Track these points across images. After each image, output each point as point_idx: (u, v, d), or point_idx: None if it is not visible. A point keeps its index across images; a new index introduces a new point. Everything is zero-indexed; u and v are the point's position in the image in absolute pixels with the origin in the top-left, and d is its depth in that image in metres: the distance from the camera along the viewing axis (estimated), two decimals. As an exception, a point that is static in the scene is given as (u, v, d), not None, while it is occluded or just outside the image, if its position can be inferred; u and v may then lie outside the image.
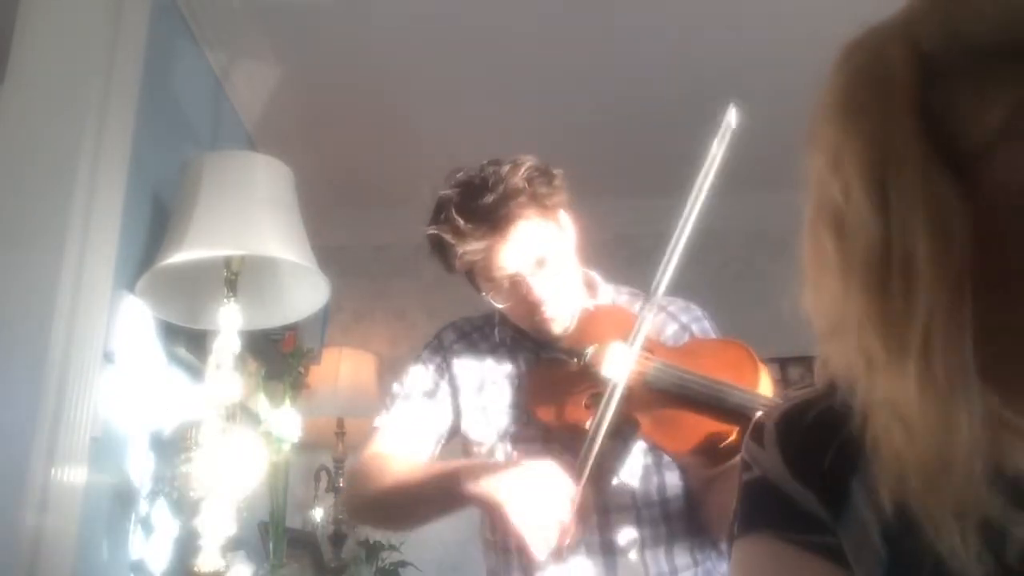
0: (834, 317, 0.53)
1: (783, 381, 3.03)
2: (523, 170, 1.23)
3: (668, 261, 1.17)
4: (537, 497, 1.07)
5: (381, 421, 1.38)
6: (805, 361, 3.05)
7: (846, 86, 0.53)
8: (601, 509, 1.22)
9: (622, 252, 3.03)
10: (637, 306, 1.32)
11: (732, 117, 1.19)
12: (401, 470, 1.27)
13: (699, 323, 1.33)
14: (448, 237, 1.22)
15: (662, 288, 1.18)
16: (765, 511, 0.59)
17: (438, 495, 1.19)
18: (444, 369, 1.38)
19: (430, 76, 2.49)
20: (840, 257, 0.52)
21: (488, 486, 1.09)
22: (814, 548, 0.55)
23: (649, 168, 3.02)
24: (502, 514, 1.06)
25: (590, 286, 1.39)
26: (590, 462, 1.10)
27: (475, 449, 1.34)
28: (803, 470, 0.57)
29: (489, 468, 1.14)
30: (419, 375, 1.39)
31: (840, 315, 0.52)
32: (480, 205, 1.20)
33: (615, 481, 1.23)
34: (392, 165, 2.93)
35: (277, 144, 2.31)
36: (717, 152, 1.17)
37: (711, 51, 2.41)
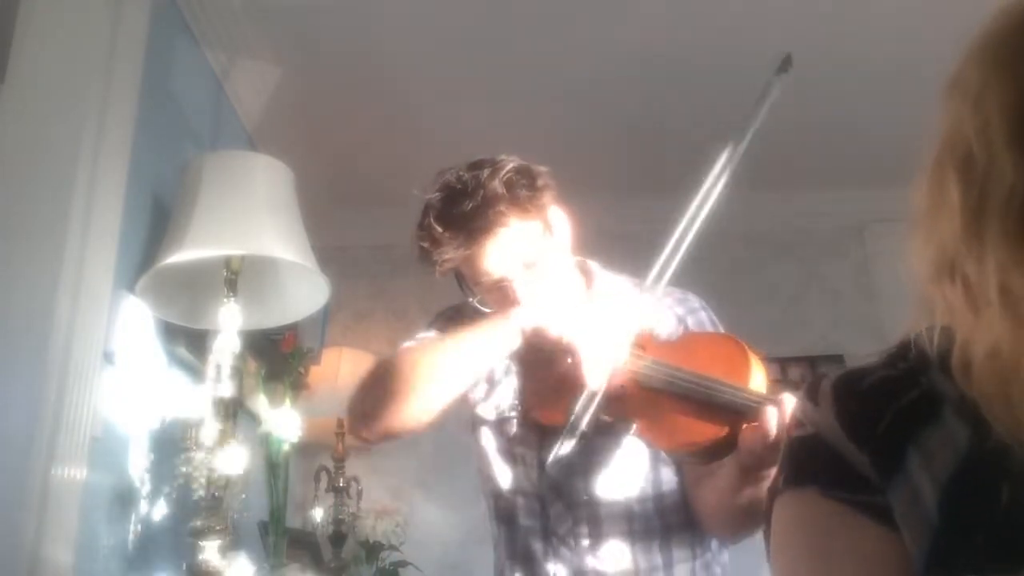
0: (945, 259, 0.53)
1: (783, 381, 3.03)
2: (502, 174, 1.20)
3: (666, 258, 1.16)
4: (602, 323, 1.11)
5: (407, 344, 1.32)
6: (805, 361, 3.06)
7: (1002, 31, 0.53)
8: (593, 505, 1.22)
9: (622, 252, 3.03)
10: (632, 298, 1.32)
11: (788, 65, 1.21)
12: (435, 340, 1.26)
13: (695, 315, 1.31)
14: (426, 244, 1.21)
15: (655, 283, 1.18)
16: (814, 468, 0.59)
17: (484, 336, 1.18)
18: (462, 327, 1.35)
19: (430, 75, 2.49)
20: (963, 199, 0.51)
21: (547, 312, 1.14)
22: (862, 507, 0.55)
23: (650, 167, 3.03)
24: (563, 328, 1.11)
25: (586, 275, 1.36)
26: (590, 408, 1.10)
27: (476, 426, 1.34)
28: (858, 431, 0.57)
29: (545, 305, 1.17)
30: (443, 324, 1.37)
31: (953, 257, 0.52)
32: (458, 212, 1.19)
33: (607, 477, 1.23)
34: (392, 165, 2.93)
35: (277, 144, 2.31)
36: (771, 94, 1.20)
37: (712, 51, 2.41)
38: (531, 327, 1.15)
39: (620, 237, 3.11)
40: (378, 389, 1.22)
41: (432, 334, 1.35)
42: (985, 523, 0.50)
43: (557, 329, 1.13)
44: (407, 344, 1.32)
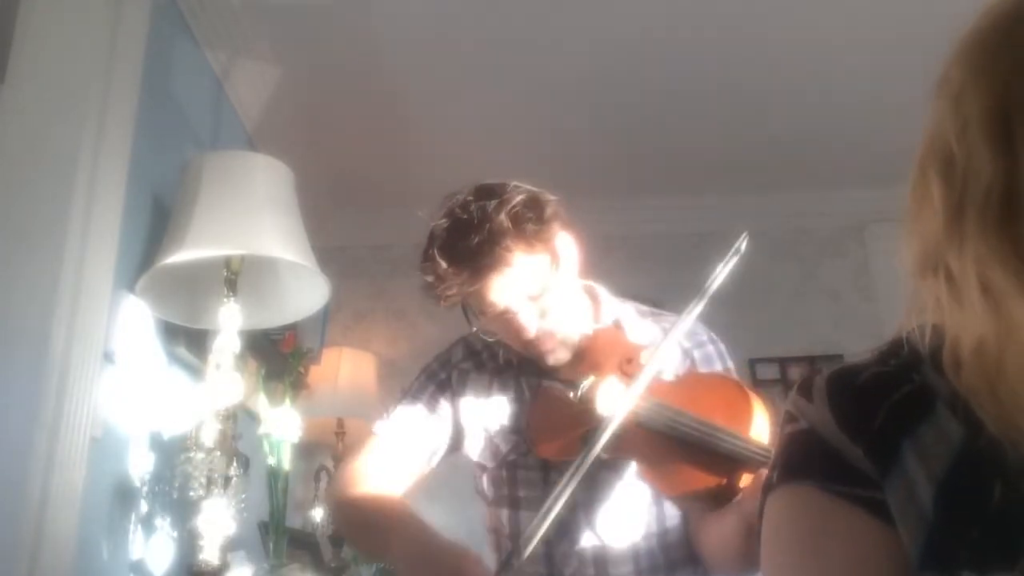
0: (930, 256, 0.54)
1: (783, 381, 3.03)
2: (510, 207, 1.16)
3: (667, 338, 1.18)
4: None
5: (379, 428, 1.37)
6: (805, 361, 3.06)
7: (982, 31, 0.53)
8: (599, 544, 1.21)
9: (622, 252, 3.04)
10: (641, 326, 1.30)
11: (743, 244, 1.22)
12: (369, 498, 1.27)
13: (702, 348, 1.29)
14: (430, 279, 1.18)
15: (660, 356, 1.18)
16: (809, 462, 0.59)
17: (375, 538, 1.23)
18: (447, 385, 1.36)
19: (430, 76, 2.49)
20: (944, 197, 0.52)
21: (407, 558, 1.11)
22: (858, 501, 0.55)
23: (649, 168, 3.03)
24: None
25: (593, 301, 1.33)
26: (562, 499, 1.07)
27: (477, 472, 1.33)
28: (853, 425, 0.57)
29: (425, 542, 1.12)
30: (423, 387, 1.37)
31: (936, 254, 0.53)
32: (463, 247, 1.15)
33: (612, 514, 1.22)
34: (392, 165, 2.93)
35: (277, 144, 2.31)
36: (721, 272, 1.20)
37: (710, 52, 2.41)
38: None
39: (621, 237, 3.12)
40: (339, 527, 1.46)
41: (405, 405, 1.36)
42: (979, 520, 0.50)
43: None
44: (375, 427, 1.37)
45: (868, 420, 0.56)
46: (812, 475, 0.58)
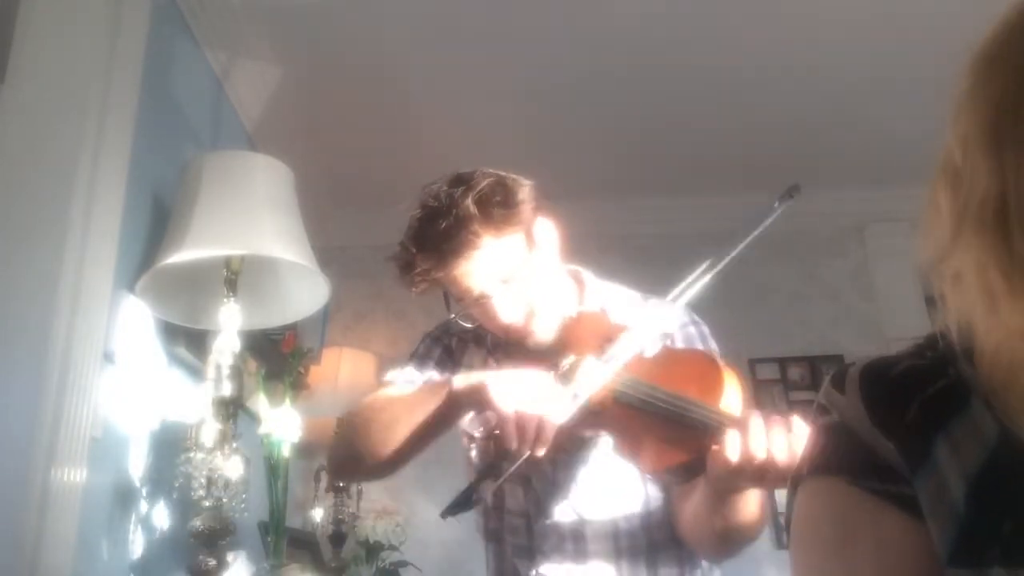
0: (943, 262, 0.55)
1: (783, 381, 3.03)
2: (475, 193, 1.17)
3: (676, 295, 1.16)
4: (523, 388, 1.06)
5: (392, 375, 1.36)
6: (805, 361, 3.06)
7: (985, 45, 0.54)
8: (577, 521, 1.21)
9: (621, 252, 3.03)
10: (627, 309, 1.30)
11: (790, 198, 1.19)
12: (394, 393, 1.26)
13: (683, 329, 1.29)
14: (400, 264, 1.21)
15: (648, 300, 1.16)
16: (840, 456, 0.59)
17: (427, 402, 1.17)
18: (451, 351, 1.38)
19: (430, 76, 2.49)
20: (949, 205, 0.53)
21: (476, 377, 1.11)
22: (887, 497, 0.55)
23: (649, 168, 3.03)
24: (485, 397, 1.06)
25: (578, 284, 1.34)
26: (509, 469, 1.08)
27: (466, 441, 1.34)
28: (885, 419, 0.57)
29: (483, 372, 1.15)
30: (430, 350, 1.38)
31: (948, 260, 0.54)
32: (431, 233, 1.17)
33: (592, 492, 1.22)
34: (392, 165, 2.93)
35: (277, 144, 2.31)
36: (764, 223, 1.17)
37: (712, 51, 2.41)
38: (464, 392, 1.12)
39: (621, 237, 3.13)
40: (342, 450, 1.29)
41: (410, 369, 1.35)
42: (1013, 516, 0.50)
43: (489, 395, 1.08)
44: (388, 376, 1.35)
45: (901, 413, 0.56)
46: (842, 469, 0.58)
